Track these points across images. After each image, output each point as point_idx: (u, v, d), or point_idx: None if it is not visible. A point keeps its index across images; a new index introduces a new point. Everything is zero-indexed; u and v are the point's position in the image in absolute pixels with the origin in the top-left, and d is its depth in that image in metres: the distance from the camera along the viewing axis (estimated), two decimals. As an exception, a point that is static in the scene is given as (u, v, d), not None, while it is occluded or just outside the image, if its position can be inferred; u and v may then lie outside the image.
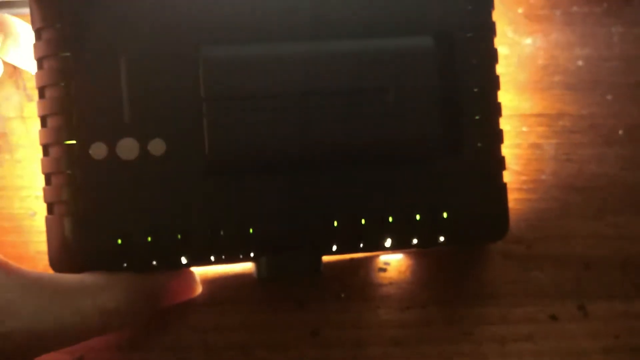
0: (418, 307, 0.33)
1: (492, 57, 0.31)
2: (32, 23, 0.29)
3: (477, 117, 0.31)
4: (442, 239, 0.31)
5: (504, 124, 0.33)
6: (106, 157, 0.28)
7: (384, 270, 0.34)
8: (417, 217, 0.30)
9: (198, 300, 0.32)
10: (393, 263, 0.34)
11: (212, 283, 0.33)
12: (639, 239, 0.34)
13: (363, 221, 0.30)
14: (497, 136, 0.31)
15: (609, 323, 0.34)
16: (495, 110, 0.31)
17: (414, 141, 0.30)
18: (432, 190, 0.30)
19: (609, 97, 0.35)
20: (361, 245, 0.30)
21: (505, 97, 0.34)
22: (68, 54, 0.28)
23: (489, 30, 0.31)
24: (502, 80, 0.32)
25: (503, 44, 0.35)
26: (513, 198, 0.34)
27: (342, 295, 0.33)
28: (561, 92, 0.35)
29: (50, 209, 0.29)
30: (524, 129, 0.35)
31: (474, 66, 0.31)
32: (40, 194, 0.30)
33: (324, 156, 0.29)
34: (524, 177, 0.35)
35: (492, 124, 0.31)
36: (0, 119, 0.33)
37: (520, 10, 0.36)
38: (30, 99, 0.33)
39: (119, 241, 0.28)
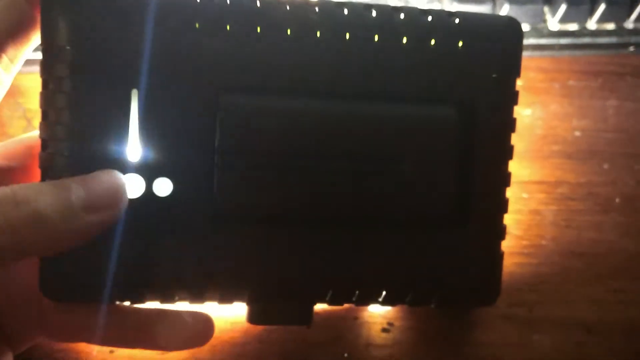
0: (421, 368, 0.33)
1: (510, 126, 0.30)
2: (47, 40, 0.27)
3: (486, 187, 0.30)
4: (435, 299, 0.30)
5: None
6: None
7: (388, 330, 0.34)
8: (413, 278, 0.30)
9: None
10: (397, 323, 0.34)
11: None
12: (639, 305, 0.35)
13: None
14: (503, 206, 0.30)
15: (611, 389, 0.34)
16: (505, 180, 0.30)
17: (424, 211, 0.30)
18: (430, 253, 0.30)
19: (605, 166, 0.37)
20: (354, 299, 0.30)
21: (506, 164, 0.35)
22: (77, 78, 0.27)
23: (512, 99, 0.30)
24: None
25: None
26: (514, 262, 0.35)
27: (345, 355, 0.33)
28: (560, 160, 0.37)
29: None
30: (524, 195, 0.36)
31: (492, 136, 0.30)
32: None
33: (329, 217, 0.29)
34: (524, 242, 0.35)
35: (500, 194, 0.30)
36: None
37: (520, 83, 0.37)
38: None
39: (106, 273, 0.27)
